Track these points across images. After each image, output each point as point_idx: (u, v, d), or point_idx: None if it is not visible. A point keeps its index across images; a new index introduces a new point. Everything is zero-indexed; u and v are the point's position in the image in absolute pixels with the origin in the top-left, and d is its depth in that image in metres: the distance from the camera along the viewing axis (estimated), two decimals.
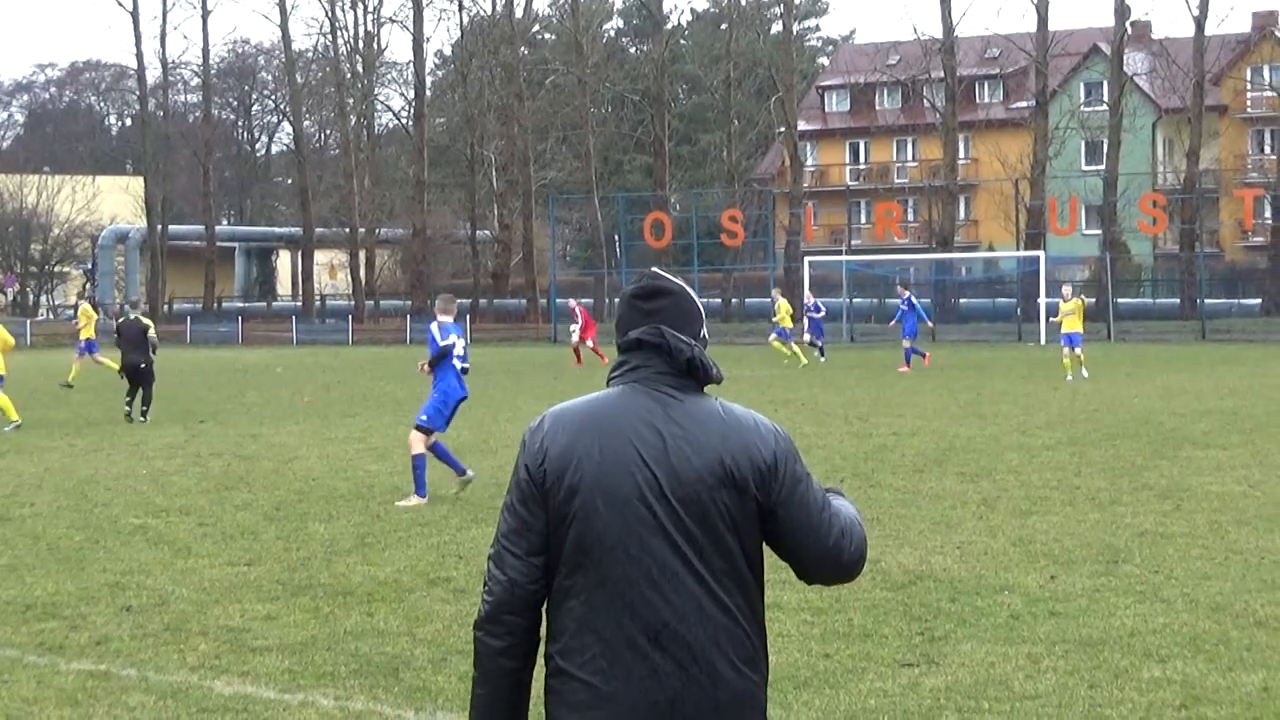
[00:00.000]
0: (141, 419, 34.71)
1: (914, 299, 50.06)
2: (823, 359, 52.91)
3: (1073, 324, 39.02)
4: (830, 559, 5.09)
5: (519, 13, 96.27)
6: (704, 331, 5.21)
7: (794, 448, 5.13)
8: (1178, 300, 76.65)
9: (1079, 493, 20.46)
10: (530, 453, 5.01)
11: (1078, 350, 38.97)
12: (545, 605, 5.07)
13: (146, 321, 36.83)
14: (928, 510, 19.14)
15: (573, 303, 56.42)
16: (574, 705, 4.95)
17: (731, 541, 4.97)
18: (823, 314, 54.20)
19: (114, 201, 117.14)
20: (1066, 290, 39.57)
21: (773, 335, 52.77)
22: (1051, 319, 43.51)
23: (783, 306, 49.03)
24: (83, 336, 46.45)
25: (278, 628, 13.50)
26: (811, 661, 11.52)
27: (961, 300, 77.14)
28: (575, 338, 53.64)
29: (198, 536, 18.38)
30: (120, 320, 38.88)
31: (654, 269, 5.58)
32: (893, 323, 51.07)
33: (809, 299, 57.50)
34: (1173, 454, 24.38)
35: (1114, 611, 13.45)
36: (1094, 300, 70.36)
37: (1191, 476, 21.73)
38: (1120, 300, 72.19)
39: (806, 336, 53.58)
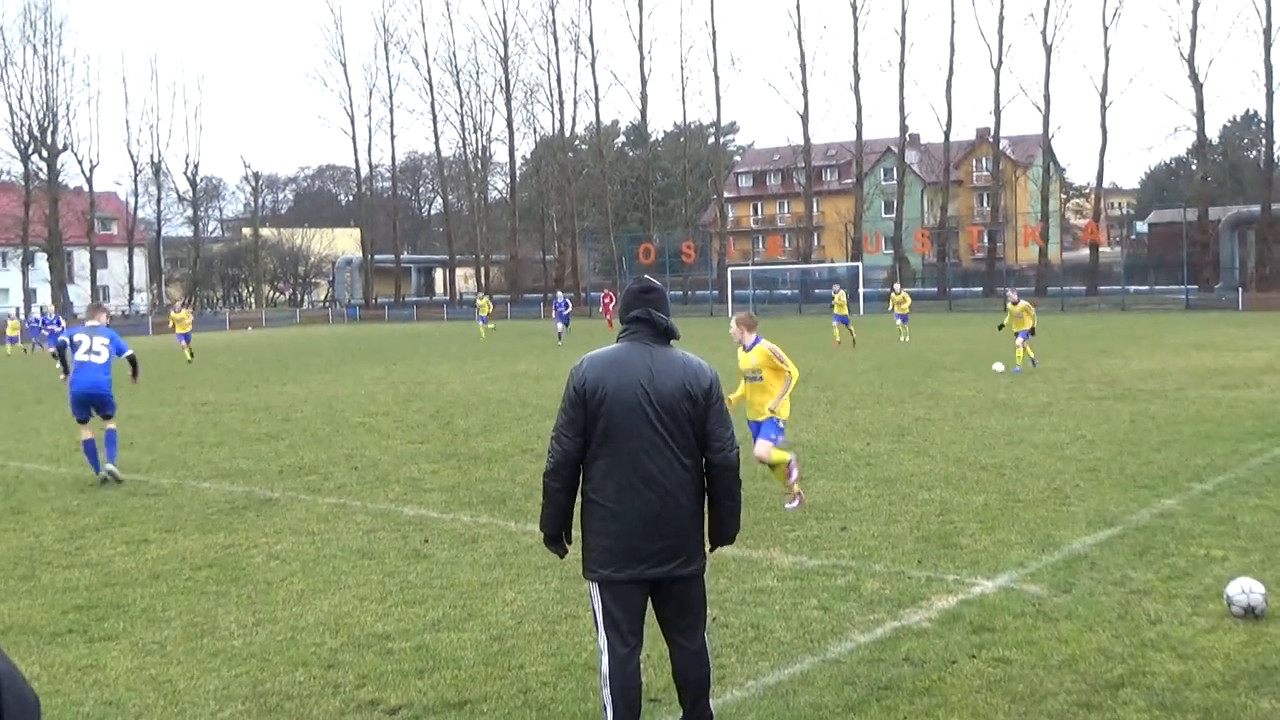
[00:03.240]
0: None
1: (568, 300, 47.64)
2: None
3: (1021, 323, 27.75)
4: (729, 443, 5.24)
5: (567, 133, 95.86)
6: (668, 310, 5.39)
7: (718, 378, 5.35)
8: (936, 289, 76.54)
9: (882, 396, 20.50)
10: (576, 379, 5.18)
11: (1023, 342, 27.93)
12: (582, 464, 5.22)
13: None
14: (797, 406, 19.17)
15: (605, 294, 56.35)
16: (601, 518, 5.15)
17: (689, 429, 5.17)
18: None
19: (344, 242, 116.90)
20: (1013, 295, 28.40)
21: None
22: (1003, 325, 29.88)
23: (839, 298, 38.21)
24: (179, 331, 41.74)
25: (438, 478, 13.54)
26: None
27: (816, 290, 76.76)
28: (605, 314, 53.98)
29: (392, 427, 18.41)
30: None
31: (645, 276, 5.75)
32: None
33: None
34: (934, 375, 24.40)
35: (901, 462, 13.49)
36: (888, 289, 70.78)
37: (944, 387, 21.76)
38: (899, 288, 72.35)
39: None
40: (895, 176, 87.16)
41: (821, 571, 8.65)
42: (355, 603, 8.26)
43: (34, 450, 17.16)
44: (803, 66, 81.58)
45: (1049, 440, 14.81)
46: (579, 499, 5.33)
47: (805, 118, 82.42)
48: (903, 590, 8.08)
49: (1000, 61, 75.27)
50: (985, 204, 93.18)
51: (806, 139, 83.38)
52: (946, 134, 78.86)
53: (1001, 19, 75.09)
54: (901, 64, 78.36)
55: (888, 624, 7.33)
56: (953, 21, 78.35)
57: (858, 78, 79.70)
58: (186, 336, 41.62)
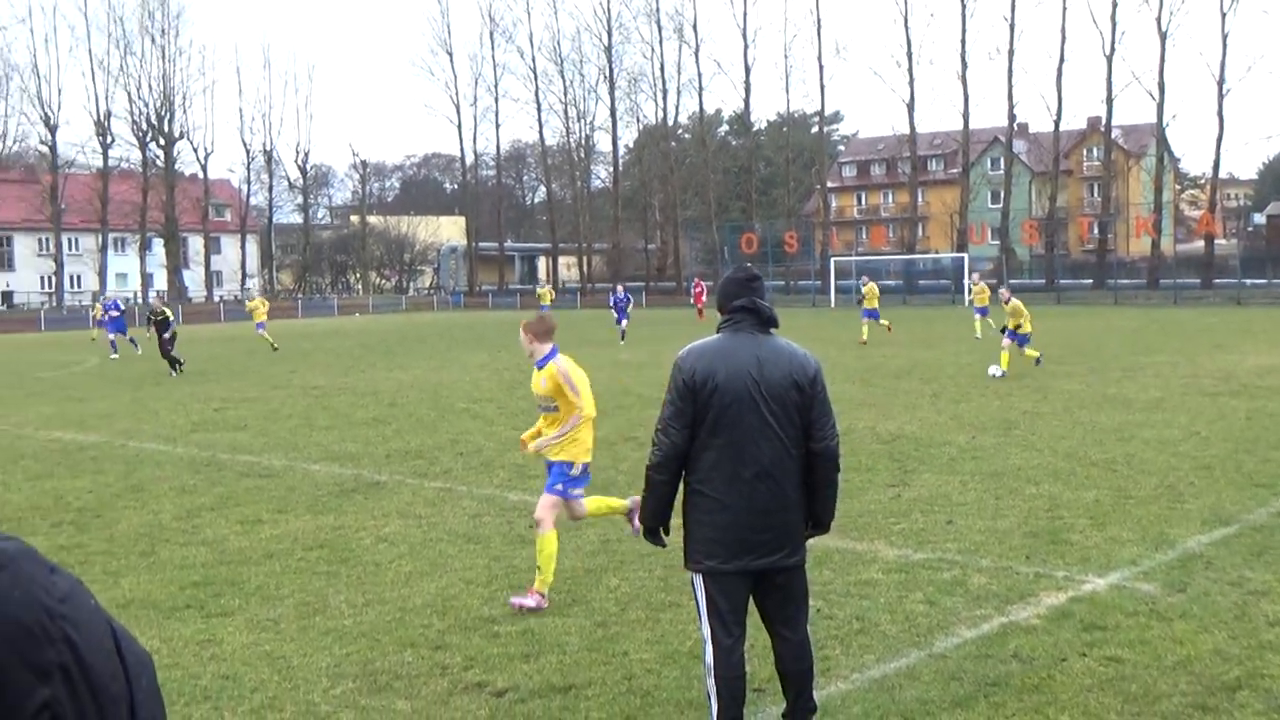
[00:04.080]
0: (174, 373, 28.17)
1: (629, 294, 39.98)
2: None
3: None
4: (831, 431, 5.22)
5: (670, 122, 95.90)
6: (767, 299, 5.38)
7: (821, 367, 5.32)
8: (1044, 280, 75.14)
9: (987, 389, 20.18)
10: (683, 371, 5.17)
11: (1011, 343, 30.23)
12: (687, 456, 5.22)
13: (169, 313, 29.64)
14: (901, 399, 18.97)
15: (697, 283, 54.96)
16: (708, 510, 5.14)
17: (796, 419, 5.14)
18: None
19: (449, 230, 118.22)
20: (1004, 292, 26.96)
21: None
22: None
23: (870, 290, 35.16)
24: (256, 319, 40.22)
25: (542, 465, 13.51)
26: None
27: (920, 281, 75.85)
28: (696, 304, 51.79)
29: (496, 413, 18.59)
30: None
31: (747, 264, 5.73)
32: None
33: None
34: (1041, 368, 23.95)
35: (1008, 456, 13.29)
36: (994, 281, 69.62)
37: (1052, 380, 21.34)
38: (1010, 281, 70.87)
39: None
40: (1002, 166, 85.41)
41: (927, 565, 8.56)
42: (462, 586, 8.37)
43: (152, 430, 17.64)
44: (909, 54, 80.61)
45: (1162, 436, 14.47)
46: (681, 490, 5.35)
47: (911, 106, 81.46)
48: (1010, 586, 7.96)
49: (1113, 49, 73.64)
50: (1096, 194, 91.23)
51: (912, 128, 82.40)
52: (1056, 123, 77.39)
53: (1115, 5, 73.41)
54: (1010, 51, 77.05)
55: (995, 620, 7.23)
56: (1064, 8, 76.98)
57: (965, 66, 78.54)
58: (263, 325, 40.16)
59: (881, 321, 34.28)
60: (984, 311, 34.79)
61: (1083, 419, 16.24)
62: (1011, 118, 79.50)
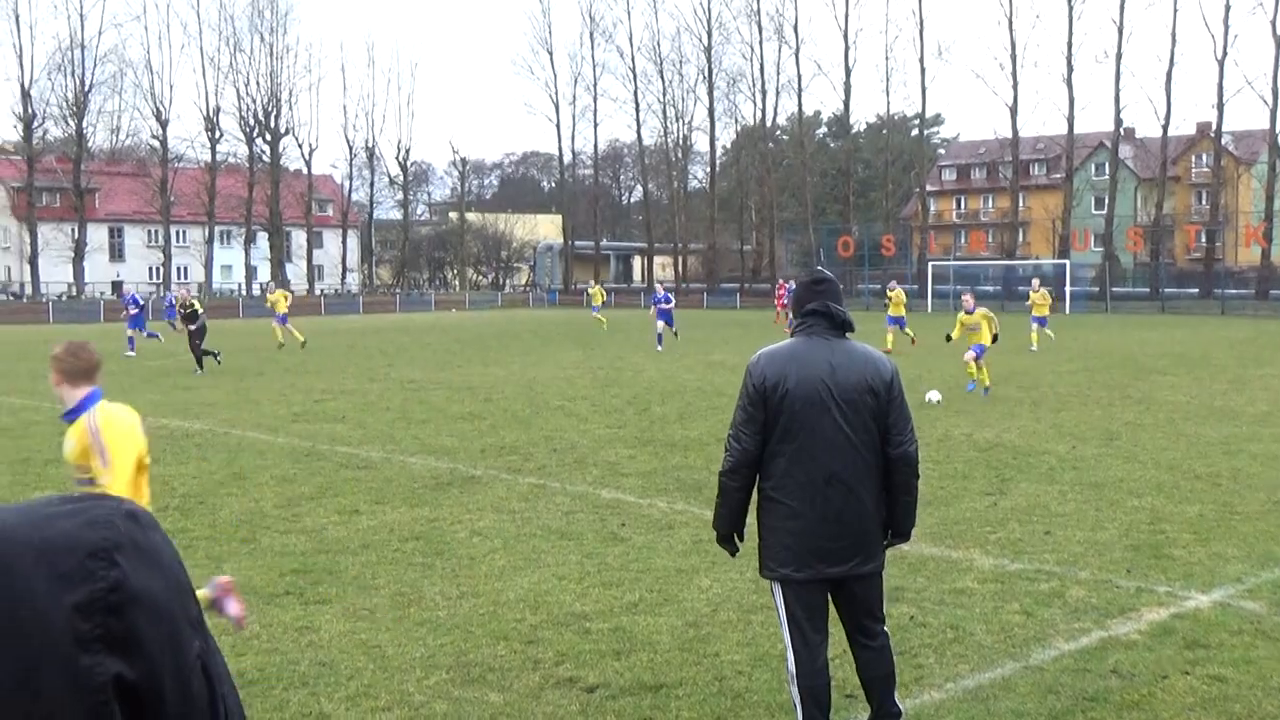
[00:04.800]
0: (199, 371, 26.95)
1: (669, 294, 36.36)
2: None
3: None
4: (909, 436, 5.17)
5: (769, 123, 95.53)
6: (842, 302, 5.34)
7: (898, 370, 5.31)
8: (1148, 289, 73.57)
9: (1089, 398, 19.80)
10: (755, 376, 5.15)
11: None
12: (759, 462, 5.20)
13: (199, 307, 28.48)
14: (999, 407, 18.69)
15: (780, 284, 53.45)
16: (781, 516, 5.12)
17: (871, 424, 5.10)
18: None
19: (545, 228, 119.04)
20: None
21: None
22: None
23: (897, 296, 33.01)
24: (279, 311, 37.73)
25: (635, 463, 13.68)
26: (932, 490, 11.37)
27: (1019, 287, 74.52)
28: (778, 305, 49.34)
29: (590, 411, 18.67)
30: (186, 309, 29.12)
31: (819, 267, 5.72)
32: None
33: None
34: (1145, 378, 23.43)
35: (1110, 467, 13.03)
36: (1097, 289, 68.52)
37: (1156, 391, 20.87)
38: (1113, 289, 69.47)
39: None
40: (1107, 172, 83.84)
41: (1024, 576, 8.43)
42: (554, 581, 8.42)
43: (254, 420, 18.00)
44: (1013, 57, 79.35)
45: (1270, 451, 14.08)
46: (754, 496, 5.32)
47: (1014, 110, 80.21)
48: (1110, 600, 7.81)
49: (1225, 52, 71.72)
50: (1204, 202, 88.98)
51: (1015, 132, 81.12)
52: (1164, 128, 75.61)
53: (1227, 8, 71.52)
54: (1118, 55, 75.47)
55: (1094, 633, 7.10)
56: (1175, 11, 75.42)
57: (1071, 69, 77.05)
58: (283, 318, 37.71)
59: (906, 331, 32.26)
60: (1043, 321, 32.57)
61: (1187, 431, 15.87)
62: (1118, 122, 77.92)
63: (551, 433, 16.21)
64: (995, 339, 21.28)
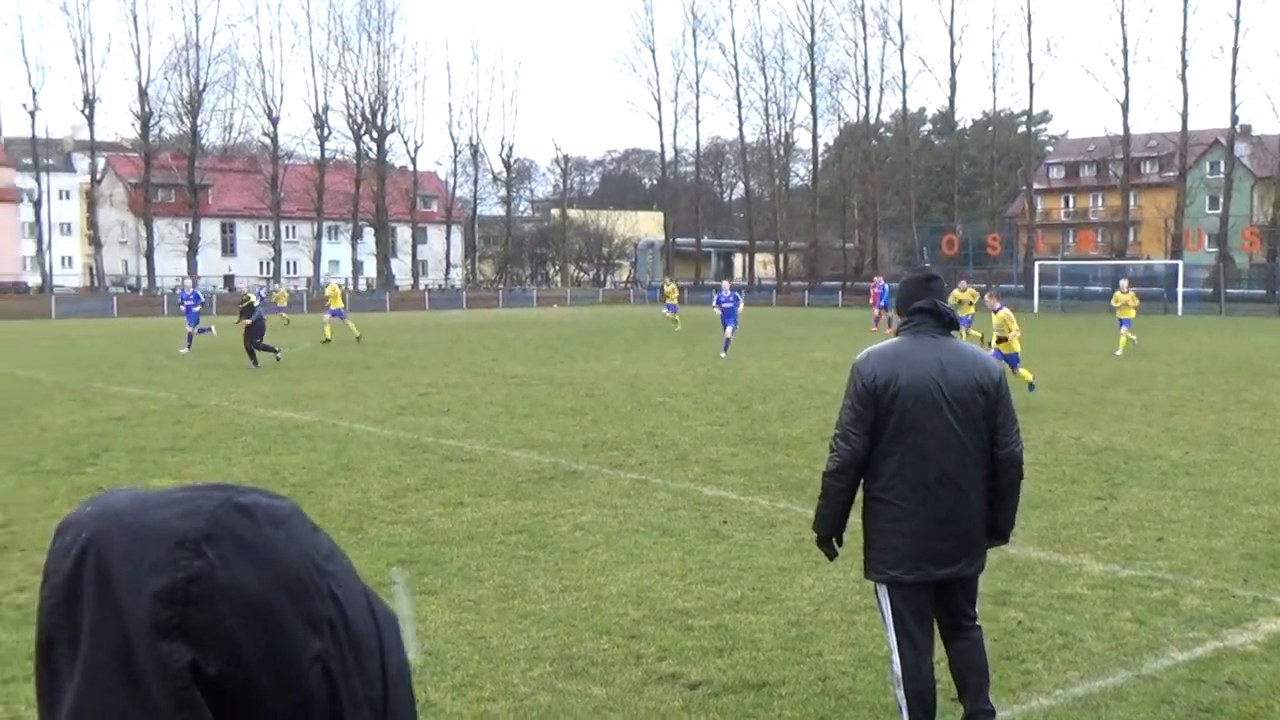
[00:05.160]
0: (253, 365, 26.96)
1: (737, 294, 33.01)
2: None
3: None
4: (1016, 437, 5.11)
5: (872, 120, 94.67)
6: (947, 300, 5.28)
7: (1005, 370, 5.31)
8: (1264, 291, 71.50)
9: (1203, 403, 19.29)
10: (865, 375, 5.08)
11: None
12: (867, 463, 5.11)
13: (255, 301, 28.73)
14: (1109, 410, 18.30)
15: (874, 282, 51.48)
16: (890, 517, 5.06)
17: (981, 424, 5.05)
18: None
19: (647, 224, 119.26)
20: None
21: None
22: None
23: (960, 295, 31.43)
24: (332, 306, 38.20)
25: (737, 460, 13.66)
26: (1040, 493, 11.18)
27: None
28: (873, 304, 45.83)
29: (692, 408, 18.66)
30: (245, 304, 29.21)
31: (925, 264, 5.64)
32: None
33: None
34: (1261, 382, 22.75)
35: (1225, 474, 12.68)
36: (1211, 290, 66.80)
37: (1272, 396, 20.25)
38: (1228, 290, 67.59)
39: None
40: (1222, 170, 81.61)
41: (1135, 583, 8.24)
42: (656, 577, 8.44)
43: (361, 412, 18.30)
44: (1125, 52, 77.59)
45: None
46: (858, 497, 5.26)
47: (1125, 106, 78.44)
48: (1226, 609, 7.60)
49: None
50: None
51: (1126, 129, 79.35)
52: None
53: None
54: (1235, 49, 73.37)
55: (1209, 643, 6.92)
56: None
57: (1185, 64, 75.17)
58: (339, 313, 38.02)
59: (972, 332, 29.98)
60: (1128, 324, 30.75)
61: None
62: (1234, 119, 75.81)
63: (653, 429, 16.24)
64: (1004, 340, 19.59)
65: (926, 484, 4.98)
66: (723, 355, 29.77)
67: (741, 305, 32.70)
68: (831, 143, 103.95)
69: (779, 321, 50.48)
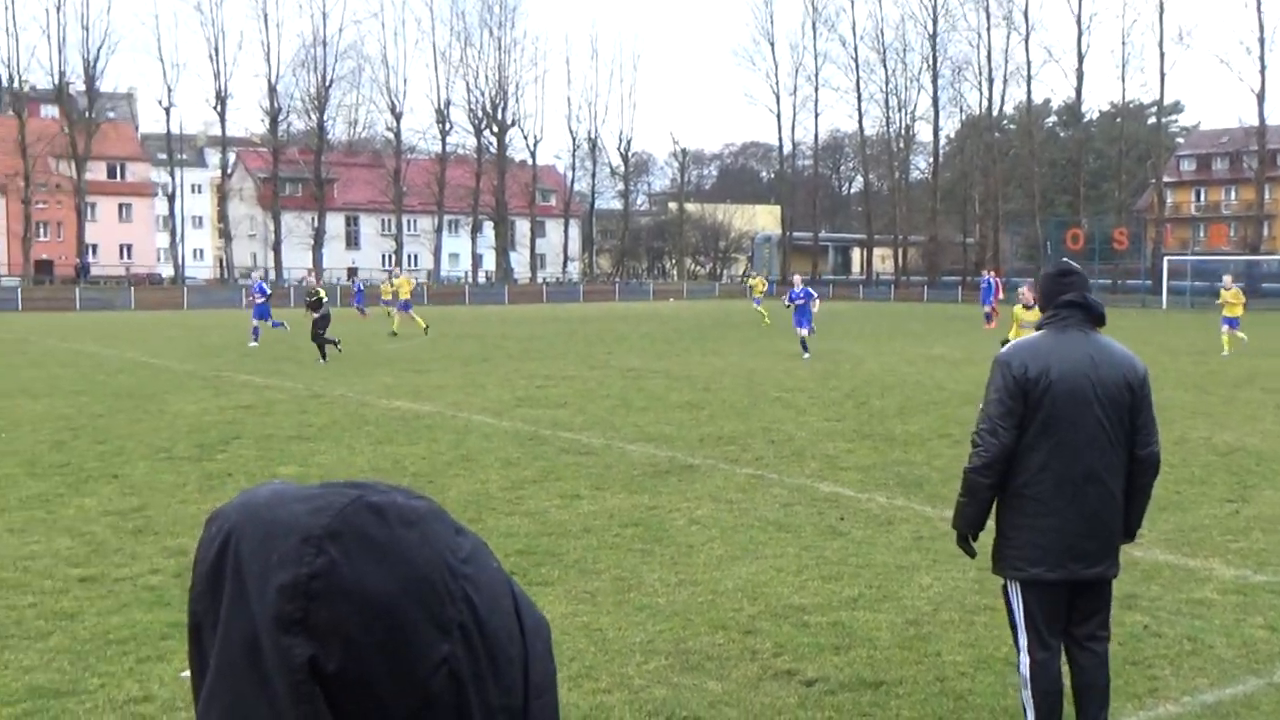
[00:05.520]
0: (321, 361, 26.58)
1: (810, 289, 29.20)
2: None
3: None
4: (1156, 437, 5.02)
5: (995, 112, 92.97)
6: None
7: (1148, 369, 5.14)
8: None
9: None
10: (1015, 368, 4.96)
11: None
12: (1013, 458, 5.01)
13: (323, 295, 28.36)
14: (1241, 410, 17.73)
15: (991, 272, 49.59)
16: (1033, 514, 4.94)
17: (1126, 421, 4.92)
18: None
19: (764, 218, 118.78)
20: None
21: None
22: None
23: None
24: (401, 297, 37.76)
25: (854, 457, 13.54)
26: (1168, 494, 10.87)
27: (1264, 284, 70.57)
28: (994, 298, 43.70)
29: (808, 403, 18.54)
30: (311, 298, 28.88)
31: (1065, 259, 5.49)
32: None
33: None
34: None
35: None
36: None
37: None
38: None
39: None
40: None
41: (1269, 589, 7.98)
42: (772, 573, 8.40)
43: (480, 404, 18.54)
44: (1261, 40, 75.07)
45: None
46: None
47: (1261, 97, 75.88)
48: None
49: None
50: None
51: (1261, 120, 76.74)
52: None
53: None
54: None
55: None
56: None
57: None
58: (406, 305, 37.77)
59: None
60: (1234, 323, 28.78)
61: None
62: None
63: (770, 424, 16.17)
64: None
65: (1074, 480, 4.87)
66: (805, 357, 27.17)
67: (817, 302, 29.53)
68: (953, 135, 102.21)
69: (897, 317, 49.88)
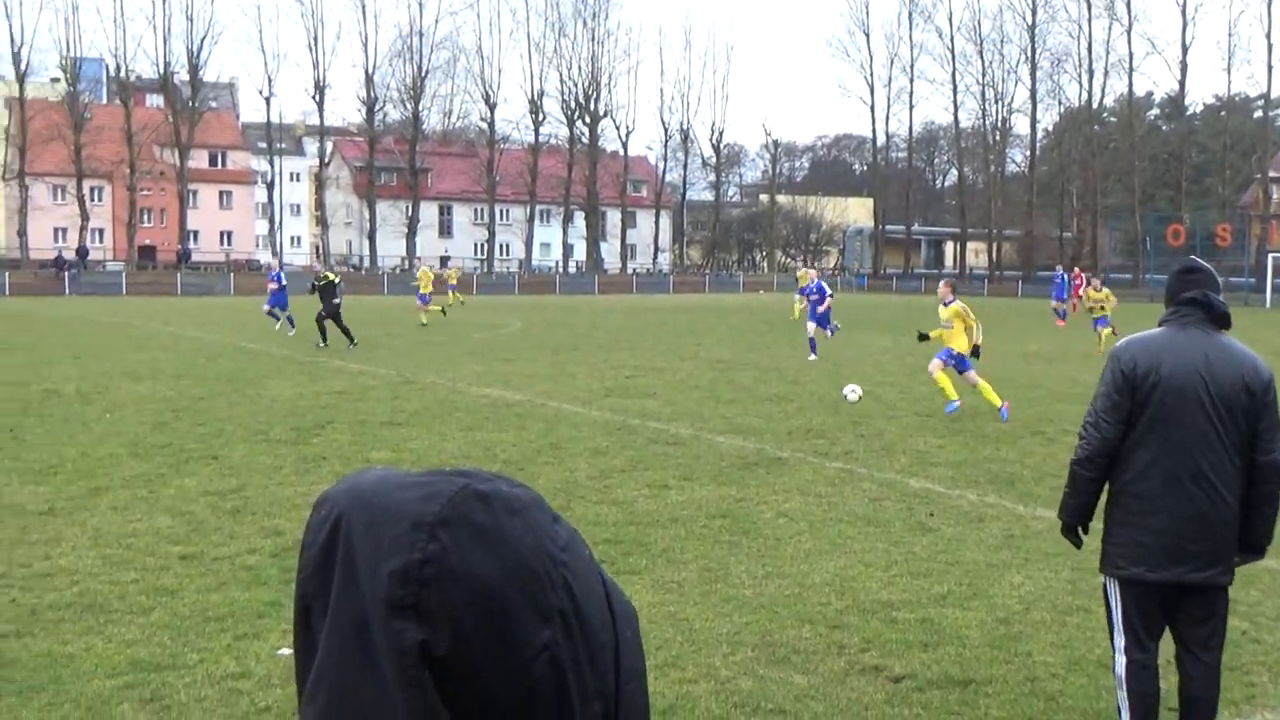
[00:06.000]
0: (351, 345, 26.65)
1: (825, 285, 26.69)
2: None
3: (954, 337, 24.20)
4: (1278, 443, 4.83)
5: (1095, 104, 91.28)
6: (1220, 293, 5.03)
7: (1275, 375, 4.95)
8: None
9: None
10: (1124, 362, 4.90)
11: (943, 363, 25.37)
12: (1117, 453, 4.94)
13: (334, 278, 28.34)
14: None
15: (1076, 274, 48.06)
16: (1138, 511, 4.86)
17: (1242, 424, 4.80)
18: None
19: (856, 211, 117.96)
20: (944, 290, 24.80)
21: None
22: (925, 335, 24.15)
23: (1104, 295, 28.68)
24: (423, 290, 37.40)
25: (944, 453, 13.39)
26: None
27: None
28: (1074, 296, 42.46)
29: (899, 398, 18.36)
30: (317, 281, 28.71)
31: (1192, 257, 5.37)
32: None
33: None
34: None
35: None
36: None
37: None
38: None
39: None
40: None
41: None
42: (860, 568, 8.35)
43: (569, 392, 18.64)
44: None
45: None
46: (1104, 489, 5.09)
47: None
48: None
49: None
50: None
51: None
52: None
53: None
54: None
55: None
56: None
57: None
58: (425, 298, 37.38)
59: (1105, 331, 27.14)
60: None
61: None
62: None
63: (859, 418, 16.06)
64: (976, 353, 16.78)
65: (1180, 479, 4.78)
66: (811, 358, 24.63)
67: (829, 300, 26.59)
68: (1051, 128, 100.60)
69: (991, 311, 49.12)
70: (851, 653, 6.61)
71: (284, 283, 32.76)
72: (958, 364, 16.58)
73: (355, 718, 1.01)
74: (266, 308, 33.17)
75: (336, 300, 27.40)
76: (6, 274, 67.71)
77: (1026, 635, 6.92)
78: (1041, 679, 6.22)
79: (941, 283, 18.56)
